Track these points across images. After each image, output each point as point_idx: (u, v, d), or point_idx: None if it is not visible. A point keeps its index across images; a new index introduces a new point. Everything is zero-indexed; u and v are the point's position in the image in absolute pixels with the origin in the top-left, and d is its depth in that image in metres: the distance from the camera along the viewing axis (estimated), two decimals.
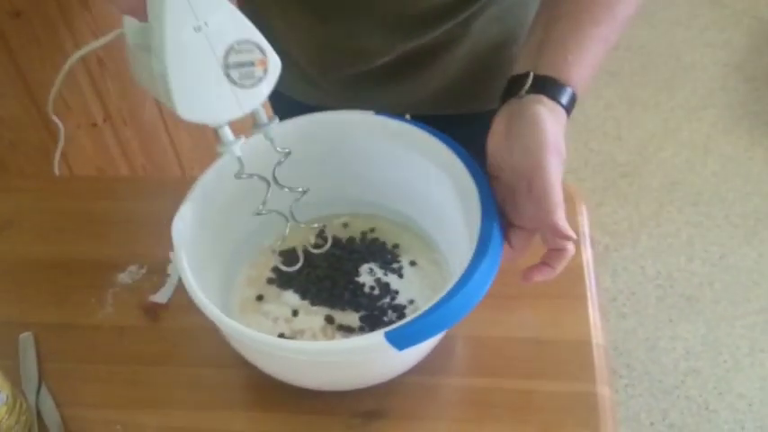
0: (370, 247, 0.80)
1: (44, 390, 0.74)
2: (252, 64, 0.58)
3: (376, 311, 0.73)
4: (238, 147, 0.62)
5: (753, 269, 1.97)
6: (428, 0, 0.81)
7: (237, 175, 0.65)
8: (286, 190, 0.70)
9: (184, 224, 0.68)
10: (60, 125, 0.92)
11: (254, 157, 0.66)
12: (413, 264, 0.79)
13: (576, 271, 0.81)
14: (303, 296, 0.75)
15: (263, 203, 0.68)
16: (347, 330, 0.72)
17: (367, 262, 0.77)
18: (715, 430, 1.63)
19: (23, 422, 0.69)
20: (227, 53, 0.56)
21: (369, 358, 0.62)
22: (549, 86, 0.65)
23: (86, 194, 0.97)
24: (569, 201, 0.88)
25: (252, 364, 0.69)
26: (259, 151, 0.67)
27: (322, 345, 0.62)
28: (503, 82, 0.68)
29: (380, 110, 0.75)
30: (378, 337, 0.57)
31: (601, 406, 0.70)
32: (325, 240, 0.79)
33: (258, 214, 0.68)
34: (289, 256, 0.78)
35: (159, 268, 0.84)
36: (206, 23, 0.55)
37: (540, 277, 0.65)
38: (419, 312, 0.59)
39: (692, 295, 1.91)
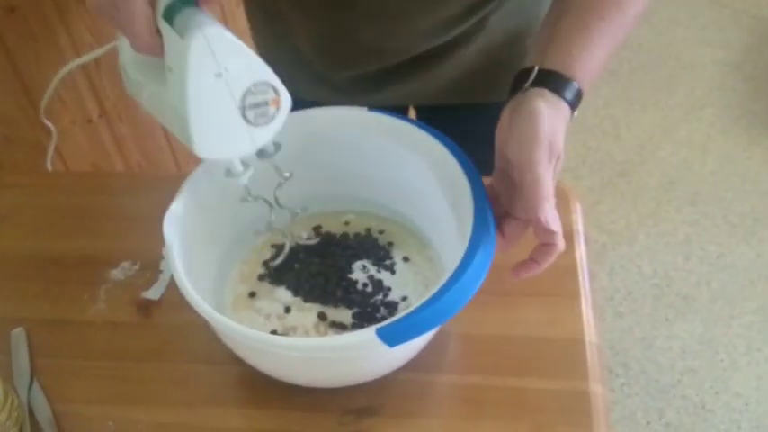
0: (363, 244, 0.79)
1: (36, 385, 0.74)
2: (266, 104, 0.60)
3: (369, 308, 0.73)
4: (246, 177, 0.65)
5: (750, 268, 1.97)
6: (456, 4, 0.82)
7: (243, 200, 0.68)
8: (286, 210, 0.72)
9: (176, 221, 0.68)
10: (53, 127, 0.91)
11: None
12: (406, 260, 0.78)
13: (569, 268, 0.81)
14: (296, 293, 0.75)
15: (267, 224, 0.71)
16: (340, 327, 0.72)
17: (360, 258, 0.77)
18: (711, 429, 1.63)
19: (15, 418, 0.69)
20: (245, 95, 0.59)
21: (360, 355, 0.62)
22: (552, 81, 0.65)
23: (79, 190, 0.97)
24: (564, 199, 0.88)
25: (244, 361, 0.69)
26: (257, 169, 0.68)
27: (313, 341, 0.62)
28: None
29: (390, 103, 0.75)
30: (369, 333, 0.57)
31: (593, 404, 0.70)
32: (320, 236, 0.78)
33: (244, 200, 0.69)
34: (280, 250, 0.78)
35: (152, 264, 0.84)
36: (226, 69, 0.57)
37: (526, 274, 0.65)
38: (410, 309, 0.58)
39: (688, 294, 1.91)
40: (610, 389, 1.68)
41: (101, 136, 1.33)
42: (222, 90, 0.57)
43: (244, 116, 0.59)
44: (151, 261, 0.84)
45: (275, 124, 0.62)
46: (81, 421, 0.72)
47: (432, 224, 0.79)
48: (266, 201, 0.70)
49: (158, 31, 0.58)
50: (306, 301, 0.74)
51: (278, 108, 0.61)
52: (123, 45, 0.64)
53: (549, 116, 0.62)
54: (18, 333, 0.78)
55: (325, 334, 0.71)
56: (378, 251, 0.79)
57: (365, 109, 0.76)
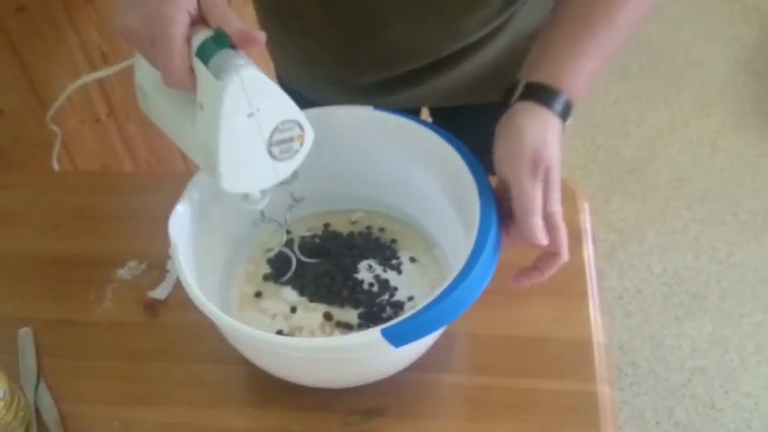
0: (370, 244, 0.79)
1: (42, 386, 0.74)
2: (291, 140, 0.62)
3: (375, 308, 0.73)
4: (263, 204, 0.67)
5: (760, 267, 1.95)
6: (496, 1, 0.82)
7: (255, 223, 0.70)
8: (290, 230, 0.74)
9: (181, 221, 0.68)
10: (58, 129, 0.92)
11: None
12: (413, 260, 0.78)
13: (577, 268, 0.81)
14: (301, 293, 0.75)
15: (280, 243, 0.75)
16: (346, 327, 0.72)
17: (366, 258, 0.77)
18: (721, 429, 1.62)
19: (21, 418, 0.69)
20: (273, 133, 0.60)
21: (366, 355, 0.62)
22: (540, 93, 0.65)
23: (86, 190, 0.97)
24: (571, 198, 0.87)
25: (250, 361, 0.69)
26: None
27: (318, 342, 0.61)
28: None
29: (407, 105, 0.74)
30: (374, 334, 0.57)
31: (601, 405, 0.70)
32: (327, 234, 0.79)
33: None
34: (281, 257, 0.78)
35: (158, 264, 0.84)
36: (258, 109, 0.58)
37: (528, 281, 0.65)
38: (416, 309, 0.58)
39: (698, 293, 1.90)
40: (619, 388, 1.68)
41: (109, 135, 1.33)
42: (252, 129, 0.59)
43: (269, 152, 0.61)
44: (158, 260, 0.84)
45: (298, 158, 0.63)
46: (87, 421, 0.72)
47: (438, 224, 0.78)
48: (279, 223, 0.73)
49: (192, 68, 0.58)
50: (312, 300, 0.74)
51: (301, 144, 0.63)
52: (142, 65, 0.65)
53: (532, 130, 0.63)
54: (25, 333, 0.78)
55: (331, 334, 0.71)
56: (384, 251, 0.78)
57: (371, 108, 0.76)
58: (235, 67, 0.56)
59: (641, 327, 1.83)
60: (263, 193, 0.67)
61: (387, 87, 0.91)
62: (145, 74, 0.65)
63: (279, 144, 0.61)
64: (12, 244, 0.89)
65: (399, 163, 0.77)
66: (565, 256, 0.63)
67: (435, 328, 0.61)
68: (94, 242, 0.88)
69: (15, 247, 0.89)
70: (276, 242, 0.78)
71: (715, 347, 1.78)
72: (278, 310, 0.74)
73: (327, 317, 0.72)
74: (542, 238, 0.62)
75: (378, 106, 0.76)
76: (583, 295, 0.79)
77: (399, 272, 0.76)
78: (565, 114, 0.66)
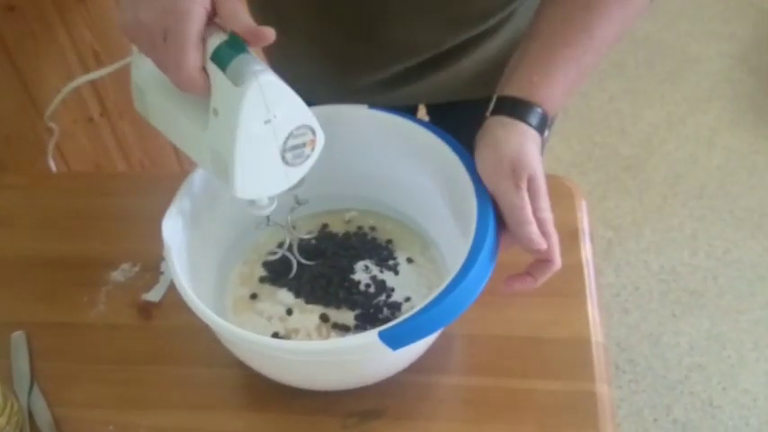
0: (366, 244, 0.78)
1: (36, 389, 0.73)
2: (304, 145, 0.61)
3: (372, 309, 0.72)
4: (270, 209, 0.67)
5: (757, 263, 1.95)
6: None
7: (260, 227, 0.70)
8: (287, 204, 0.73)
9: (175, 223, 0.67)
10: (56, 128, 0.91)
11: None
12: (410, 261, 0.77)
13: (575, 267, 0.80)
14: (297, 294, 0.74)
15: (282, 246, 0.74)
16: (342, 329, 0.71)
17: (362, 259, 0.76)
18: (719, 426, 1.62)
19: (15, 423, 0.68)
20: (287, 139, 0.59)
21: (363, 358, 0.61)
22: (514, 107, 0.66)
23: (79, 191, 0.96)
24: (568, 197, 0.86)
25: (246, 364, 0.68)
26: None
27: (315, 345, 0.61)
28: None
29: (405, 102, 0.73)
30: (371, 336, 0.56)
31: (600, 405, 0.69)
32: (323, 234, 0.78)
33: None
34: (278, 258, 0.77)
35: (152, 266, 0.83)
36: (275, 116, 0.57)
37: (520, 287, 0.64)
38: (413, 311, 0.57)
39: (695, 290, 1.90)
40: (617, 386, 1.68)
41: (102, 135, 1.32)
42: (268, 135, 0.58)
43: (283, 158, 0.60)
44: (152, 262, 0.84)
45: (309, 163, 0.63)
46: (81, 425, 0.71)
47: (435, 224, 0.78)
48: (282, 226, 0.73)
49: (204, 69, 0.57)
50: (308, 302, 0.73)
51: (313, 149, 0.62)
52: (141, 63, 0.64)
53: (508, 142, 0.64)
54: (18, 336, 0.78)
55: (327, 336, 0.71)
56: (380, 251, 0.78)
57: (365, 106, 0.75)
58: (254, 73, 0.55)
59: (639, 324, 1.83)
60: (271, 198, 0.66)
61: (385, 85, 0.90)
62: (144, 73, 0.64)
63: (292, 150, 0.60)
64: (4, 246, 0.89)
65: (395, 162, 0.76)
66: (557, 263, 0.63)
67: (433, 331, 0.60)
68: (88, 244, 0.87)
69: (8, 249, 0.88)
70: (272, 244, 0.78)
71: (713, 344, 1.77)
72: (274, 312, 0.73)
73: (324, 318, 0.71)
74: (541, 243, 0.61)
75: (375, 104, 0.76)
76: (581, 295, 0.78)
77: (396, 272, 0.76)
78: (541, 127, 0.66)
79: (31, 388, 0.73)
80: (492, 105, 0.67)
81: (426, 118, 1.09)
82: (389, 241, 0.79)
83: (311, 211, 0.82)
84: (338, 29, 0.84)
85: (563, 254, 0.63)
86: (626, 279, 1.94)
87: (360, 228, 0.81)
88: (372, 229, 0.81)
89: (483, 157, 0.65)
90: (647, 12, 0.72)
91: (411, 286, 0.75)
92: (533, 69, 0.67)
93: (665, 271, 1.95)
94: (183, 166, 1.52)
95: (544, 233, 0.62)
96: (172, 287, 0.80)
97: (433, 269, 0.77)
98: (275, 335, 0.71)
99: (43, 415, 0.71)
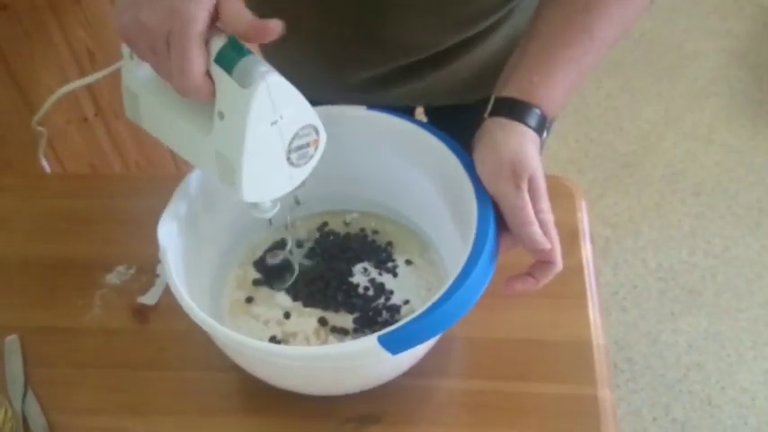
0: (365, 246, 0.78)
1: (30, 395, 0.72)
2: (308, 145, 0.61)
3: (370, 312, 0.71)
4: (273, 212, 0.66)
5: (756, 261, 1.95)
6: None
7: (261, 229, 0.70)
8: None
9: (171, 225, 0.66)
10: (44, 132, 0.90)
11: None
12: (408, 263, 0.77)
13: (575, 269, 0.80)
14: (295, 297, 0.73)
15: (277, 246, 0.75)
16: (341, 332, 0.70)
17: (361, 261, 0.76)
18: (718, 425, 1.61)
19: (9, 429, 0.67)
20: (292, 140, 0.59)
21: (362, 363, 0.60)
22: (512, 109, 0.65)
23: (73, 192, 0.95)
24: (568, 196, 0.86)
25: (243, 368, 0.67)
26: None
27: (313, 350, 0.60)
28: None
29: (402, 102, 0.75)
30: (371, 341, 0.56)
31: (602, 409, 0.69)
32: (322, 235, 0.78)
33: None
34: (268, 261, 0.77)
35: (148, 268, 0.82)
36: (281, 117, 0.57)
37: (522, 287, 0.63)
38: (413, 315, 0.57)
39: (694, 288, 1.89)
40: (615, 385, 1.67)
41: (97, 135, 1.31)
42: (275, 136, 0.58)
43: (288, 158, 0.60)
44: (147, 265, 0.83)
45: (312, 163, 0.63)
46: (76, 431, 0.70)
47: (434, 226, 0.77)
48: (286, 229, 0.73)
49: (208, 73, 0.56)
50: (306, 305, 0.72)
51: (316, 148, 0.62)
52: (134, 69, 0.63)
53: (507, 143, 0.63)
54: (12, 341, 0.77)
55: (326, 340, 0.70)
56: (379, 253, 0.77)
57: (363, 108, 0.74)
58: (261, 74, 0.54)
59: (637, 323, 1.82)
60: (274, 201, 0.65)
61: (382, 83, 0.89)
62: (137, 78, 0.63)
63: (297, 150, 0.60)
64: None
65: (394, 163, 0.75)
66: (559, 264, 0.62)
67: (433, 335, 0.59)
68: (82, 246, 0.86)
69: (1, 251, 0.87)
70: (268, 246, 0.77)
71: (711, 343, 1.77)
72: (271, 315, 0.72)
73: (322, 322, 0.71)
74: (545, 242, 0.61)
75: (372, 104, 0.75)
76: (581, 296, 0.77)
77: (395, 275, 0.75)
78: (540, 128, 0.65)
79: (25, 393, 0.72)
80: (490, 106, 0.66)
81: (424, 119, 1.08)
82: (389, 243, 0.78)
83: (311, 213, 0.81)
84: (337, 27, 0.83)
85: (563, 255, 0.63)
86: (624, 277, 1.93)
87: (362, 230, 0.80)
88: (375, 232, 0.80)
89: (482, 158, 0.64)
90: (647, 12, 0.71)
91: (410, 288, 0.74)
92: (533, 70, 0.66)
93: (663, 269, 1.94)
94: (179, 167, 1.51)
95: (546, 234, 0.61)
96: (168, 290, 0.79)
97: (432, 271, 0.76)
98: (273, 339, 0.70)
99: (38, 420, 0.70)
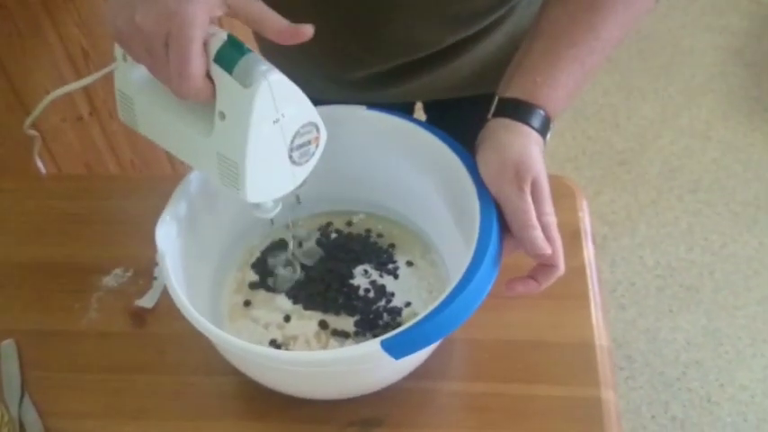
0: (366, 247, 0.77)
1: (27, 400, 0.71)
2: (309, 143, 0.60)
3: (371, 315, 0.71)
4: (275, 212, 0.65)
5: (754, 258, 1.94)
6: None
7: (263, 229, 0.71)
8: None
9: (169, 228, 0.65)
10: (37, 135, 0.89)
11: None
12: (409, 264, 0.76)
13: (577, 269, 0.79)
14: (295, 300, 0.72)
15: (290, 253, 0.75)
16: (342, 335, 0.69)
17: (362, 263, 0.75)
18: (717, 423, 1.61)
19: None
20: (294, 138, 0.58)
21: (364, 367, 0.60)
22: (516, 109, 0.64)
23: (69, 194, 0.94)
24: (569, 196, 0.85)
25: (243, 372, 0.67)
26: None
27: (315, 355, 0.59)
28: None
29: (402, 99, 0.75)
30: (374, 345, 0.55)
31: (606, 411, 0.68)
32: (324, 235, 0.78)
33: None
34: (266, 263, 0.76)
35: (145, 271, 0.81)
36: (283, 115, 0.56)
37: (523, 290, 0.63)
38: (416, 319, 0.56)
39: (692, 285, 1.89)
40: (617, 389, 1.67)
41: (92, 134, 1.30)
42: (277, 135, 0.57)
43: (290, 157, 0.59)
44: (144, 267, 0.82)
45: (313, 161, 0.62)
46: None
47: (435, 227, 0.76)
48: (289, 228, 0.73)
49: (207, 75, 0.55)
50: (306, 308, 0.72)
51: (317, 146, 0.61)
52: (128, 72, 0.62)
53: (511, 145, 0.62)
54: (8, 345, 0.76)
55: (326, 343, 0.69)
56: (380, 255, 0.76)
57: (363, 107, 0.73)
58: (262, 72, 0.53)
59: (635, 320, 1.82)
60: (276, 200, 0.65)
61: (382, 81, 0.89)
62: (131, 81, 0.62)
63: (299, 148, 0.59)
64: None
65: (395, 164, 0.75)
66: (561, 268, 0.62)
67: (436, 339, 0.58)
68: (78, 248, 0.85)
69: None
70: (267, 247, 0.76)
71: (710, 340, 1.77)
72: (271, 319, 0.71)
73: (323, 325, 0.70)
74: (546, 248, 0.60)
75: (372, 101, 0.74)
76: (583, 297, 0.77)
77: (396, 276, 0.74)
78: (543, 130, 0.65)
79: (21, 398, 0.71)
80: (494, 106, 0.66)
81: (423, 115, 1.07)
82: (392, 245, 0.78)
83: (314, 213, 0.81)
84: (337, 26, 0.82)
85: (565, 256, 0.62)
86: (621, 275, 1.93)
87: (367, 230, 0.80)
88: (380, 235, 0.79)
89: (486, 159, 0.64)
90: (651, 11, 0.70)
91: (411, 290, 0.73)
92: (537, 70, 0.65)
93: (660, 266, 1.94)
94: (175, 166, 1.50)
95: (548, 238, 0.60)
96: (165, 292, 0.78)
97: (433, 272, 0.75)
98: (273, 342, 0.69)
99: (35, 426, 0.69)
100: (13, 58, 1.12)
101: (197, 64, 0.52)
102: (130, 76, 0.61)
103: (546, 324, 0.74)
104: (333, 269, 0.74)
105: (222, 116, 0.56)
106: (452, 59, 0.87)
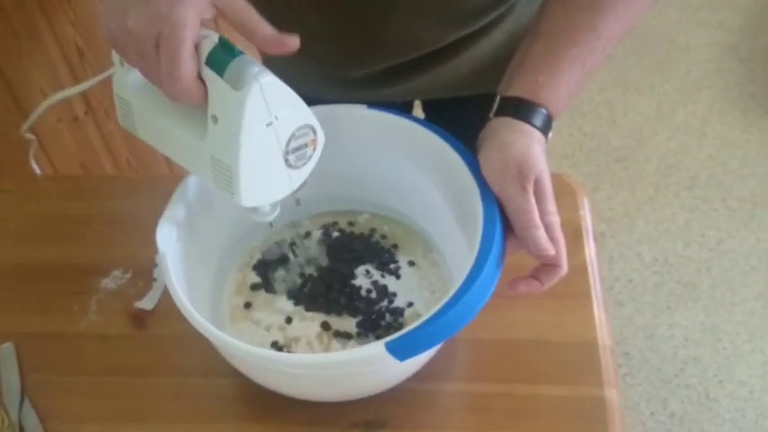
0: (368, 247, 0.76)
1: (27, 404, 0.71)
2: (305, 146, 0.60)
3: (374, 315, 0.70)
4: (273, 216, 0.65)
5: (751, 253, 1.95)
6: None
7: (263, 231, 0.70)
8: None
9: (169, 230, 0.64)
10: (34, 138, 0.88)
11: None
12: (411, 264, 0.75)
13: (579, 268, 0.79)
14: (297, 302, 0.72)
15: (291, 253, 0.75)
16: (344, 337, 0.69)
17: (363, 263, 0.74)
18: (716, 419, 1.61)
19: None
20: (289, 141, 0.58)
21: (368, 369, 0.59)
22: (518, 108, 0.64)
23: (67, 195, 0.93)
24: (570, 195, 0.85)
25: (244, 374, 0.66)
26: None
27: (320, 358, 0.59)
28: None
29: (401, 98, 0.75)
30: (378, 347, 0.55)
31: (610, 410, 0.68)
32: (327, 235, 0.78)
33: None
34: (267, 264, 0.76)
35: (145, 272, 0.81)
36: (276, 118, 0.55)
37: (526, 290, 0.62)
38: (420, 321, 0.56)
39: (689, 281, 1.89)
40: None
41: (88, 134, 1.29)
42: (271, 138, 0.56)
43: (286, 160, 0.59)
44: (144, 269, 0.81)
45: (311, 164, 0.61)
46: None
47: (437, 226, 0.76)
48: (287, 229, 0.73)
49: (199, 78, 0.54)
50: (308, 310, 0.71)
51: (314, 149, 0.61)
52: (125, 76, 0.61)
53: (514, 144, 0.62)
54: (7, 348, 0.75)
55: (328, 344, 0.69)
56: (382, 254, 0.76)
57: (364, 106, 0.73)
58: (254, 75, 0.53)
59: (633, 317, 1.82)
60: (274, 204, 0.64)
61: (382, 80, 0.88)
62: (129, 85, 0.61)
63: (294, 151, 0.59)
64: None
65: (396, 163, 0.74)
66: (564, 268, 0.61)
67: (440, 340, 0.58)
68: (77, 250, 0.85)
69: None
70: (268, 247, 0.76)
71: (708, 336, 1.77)
72: (273, 320, 0.71)
73: (325, 326, 0.69)
74: (549, 248, 0.59)
75: (372, 99, 0.74)
76: (586, 296, 0.77)
77: (398, 276, 0.74)
78: (545, 129, 0.65)
79: (21, 402, 0.71)
80: (495, 106, 0.65)
81: (422, 115, 1.06)
82: (394, 246, 0.77)
83: (317, 213, 0.81)
84: (337, 24, 0.82)
85: (567, 255, 0.62)
86: (619, 272, 1.93)
87: (372, 230, 0.79)
88: (384, 237, 0.79)
89: (488, 158, 0.63)
90: (651, 9, 0.70)
91: (413, 291, 0.73)
92: (538, 69, 0.65)
93: (658, 263, 1.94)
94: (172, 166, 1.50)
95: (551, 238, 0.60)
96: (165, 294, 0.78)
97: (435, 272, 0.75)
98: (275, 344, 0.69)
99: (35, 430, 0.68)
100: (8, 57, 1.11)
101: (187, 65, 0.52)
102: (128, 81, 0.61)
103: (548, 323, 0.74)
104: (334, 269, 0.73)
105: (215, 120, 0.55)
106: (452, 57, 0.87)
